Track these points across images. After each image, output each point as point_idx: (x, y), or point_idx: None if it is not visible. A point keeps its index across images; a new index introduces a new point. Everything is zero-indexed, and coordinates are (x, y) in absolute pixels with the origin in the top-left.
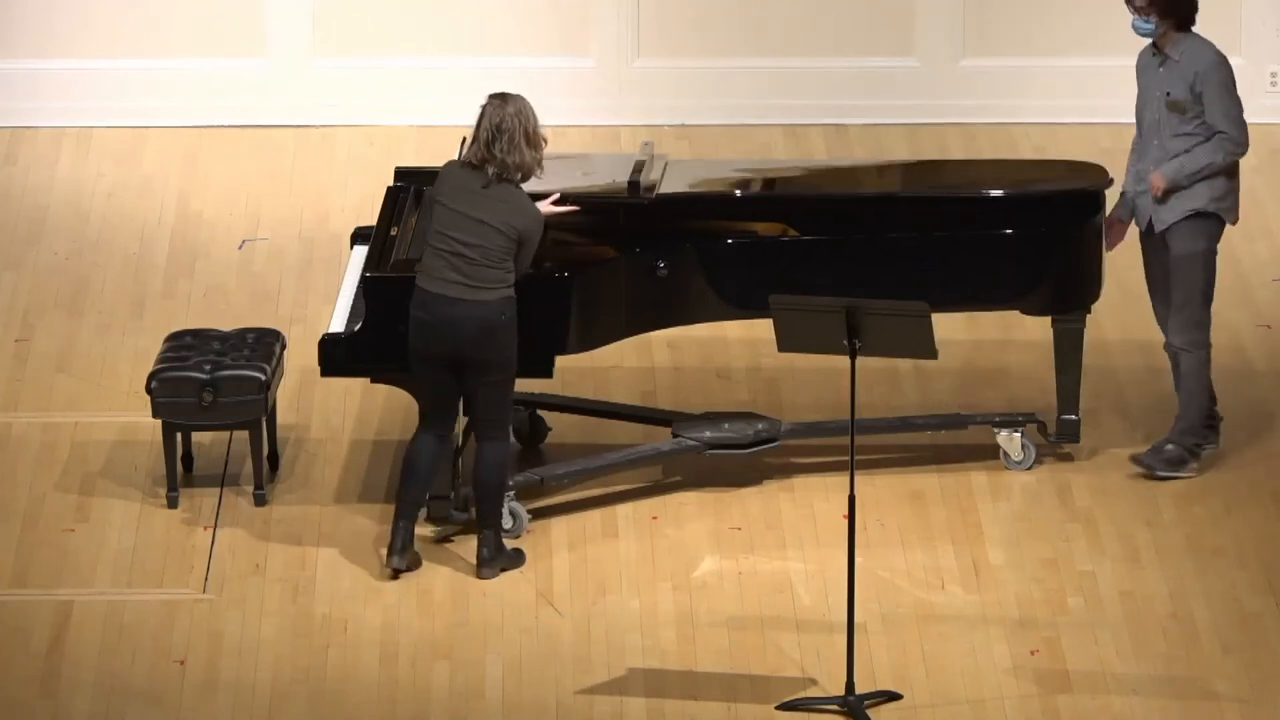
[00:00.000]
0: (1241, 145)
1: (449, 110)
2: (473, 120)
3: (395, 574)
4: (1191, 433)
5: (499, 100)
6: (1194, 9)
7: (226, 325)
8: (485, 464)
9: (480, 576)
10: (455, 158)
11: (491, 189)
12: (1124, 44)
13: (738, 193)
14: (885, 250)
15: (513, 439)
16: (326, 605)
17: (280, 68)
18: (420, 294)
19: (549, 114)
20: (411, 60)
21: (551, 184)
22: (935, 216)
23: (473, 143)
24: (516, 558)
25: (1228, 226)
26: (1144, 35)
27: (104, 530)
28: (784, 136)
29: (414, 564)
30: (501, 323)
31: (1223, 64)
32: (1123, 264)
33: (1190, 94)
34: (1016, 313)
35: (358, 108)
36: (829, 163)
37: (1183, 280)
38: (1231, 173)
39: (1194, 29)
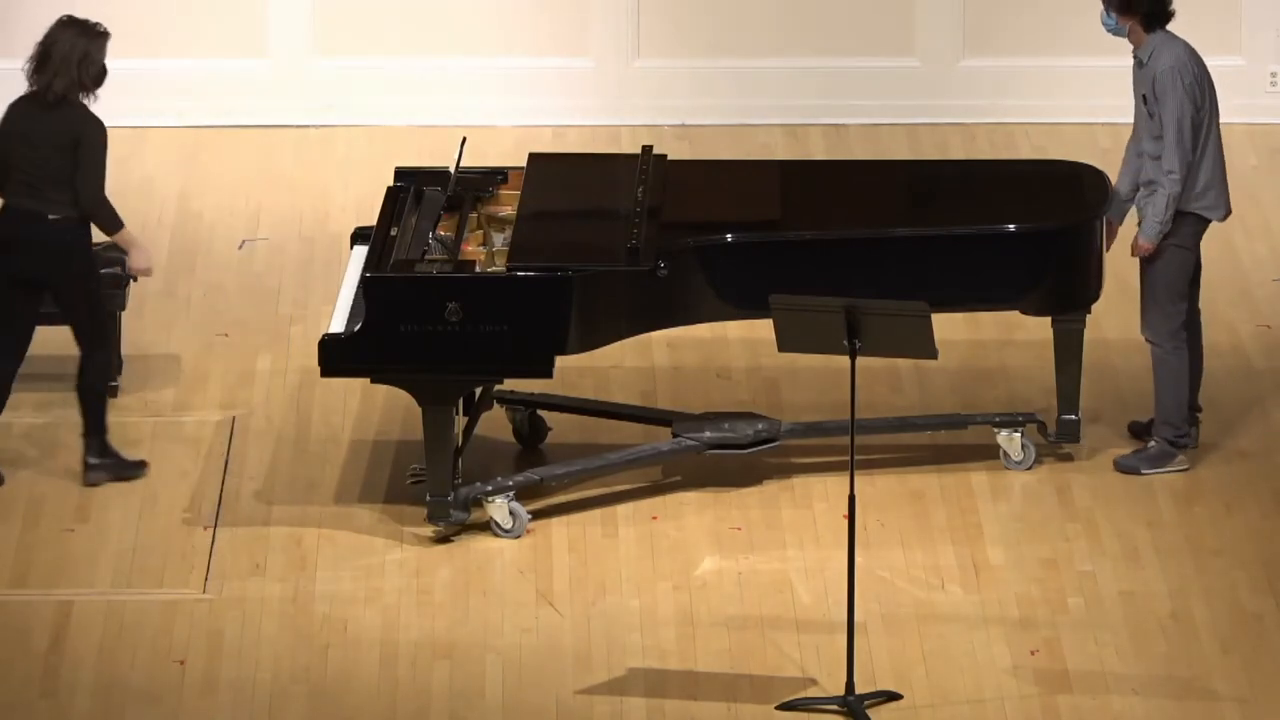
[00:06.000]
0: (1179, 165)
1: (449, 110)
2: (471, 121)
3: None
4: (1168, 425)
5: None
6: (1160, 6)
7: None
8: (88, 373)
9: (87, 483)
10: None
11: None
12: (1123, 44)
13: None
14: (885, 250)
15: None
16: (326, 605)
17: (280, 68)
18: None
19: (549, 114)
20: (411, 60)
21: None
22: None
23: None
24: (130, 468)
25: (1224, 222)
26: (1110, 32)
27: (104, 530)
28: (784, 136)
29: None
30: (66, 244)
31: (1183, 68)
32: (1123, 264)
33: (1154, 96)
34: (1016, 313)
35: (358, 108)
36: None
37: (1149, 272)
38: (1203, 168)
39: (1168, 28)
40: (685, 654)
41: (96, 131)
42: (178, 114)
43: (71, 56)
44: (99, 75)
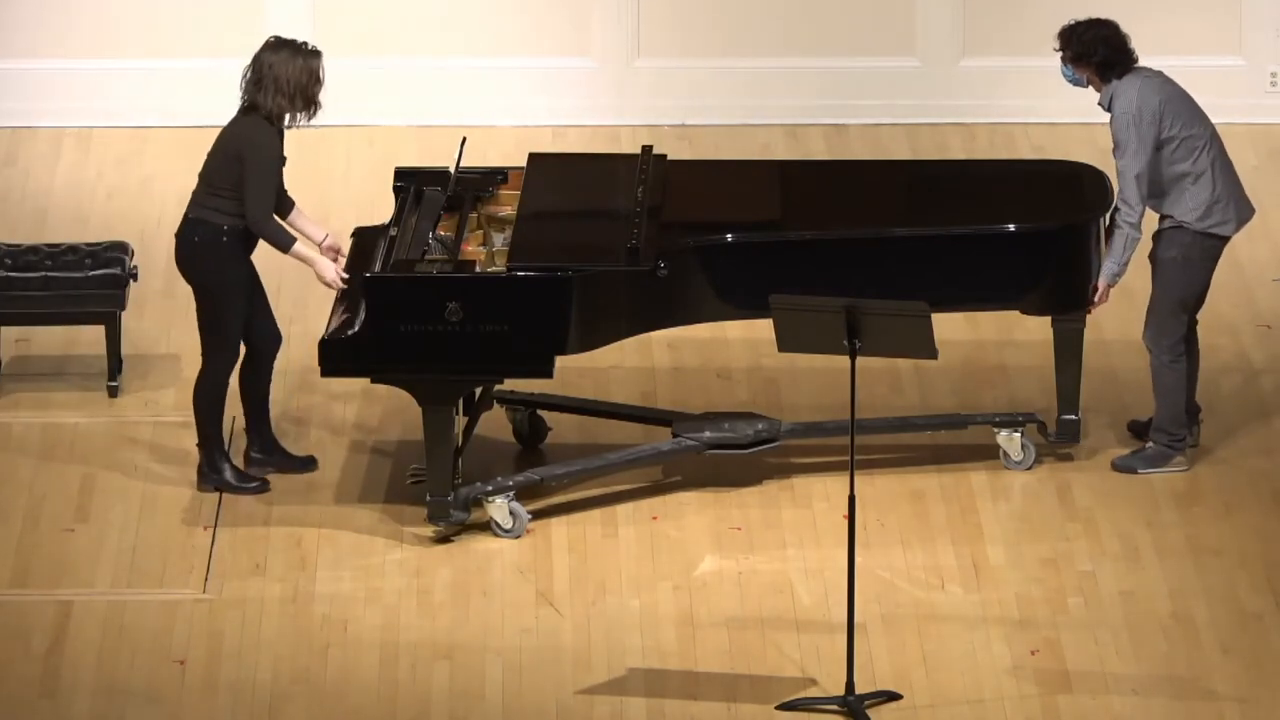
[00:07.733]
0: (1133, 208)
1: (449, 110)
2: (471, 121)
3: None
4: (1164, 429)
5: (271, 44)
6: (1115, 55)
7: None
8: (197, 380)
9: (199, 489)
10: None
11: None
12: None
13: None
14: (885, 250)
15: (514, 438)
16: (326, 605)
17: None
18: None
19: (549, 114)
20: (411, 60)
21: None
22: (934, 223)
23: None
24: (244, 484)
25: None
26: (1070, 83)
27: (104, 530)
28: (784, 136)
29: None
30: (194, 244)
31: (1140, 110)
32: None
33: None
34: (1016, 313)
35: (358, 108)
36: (827, 170)
37: (1155, 282)
38: (1205, 187)
39: (1129, 73)
40: (685, 654)
41: (257, 152)
42: (178, 114)
43: (283, 75)
44: (317, 95)
